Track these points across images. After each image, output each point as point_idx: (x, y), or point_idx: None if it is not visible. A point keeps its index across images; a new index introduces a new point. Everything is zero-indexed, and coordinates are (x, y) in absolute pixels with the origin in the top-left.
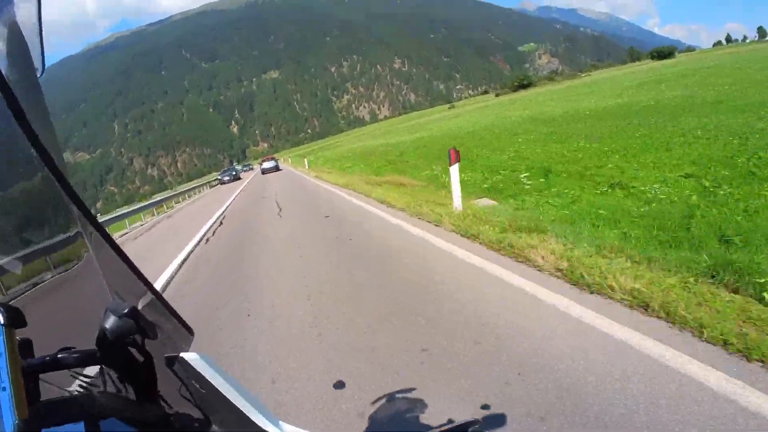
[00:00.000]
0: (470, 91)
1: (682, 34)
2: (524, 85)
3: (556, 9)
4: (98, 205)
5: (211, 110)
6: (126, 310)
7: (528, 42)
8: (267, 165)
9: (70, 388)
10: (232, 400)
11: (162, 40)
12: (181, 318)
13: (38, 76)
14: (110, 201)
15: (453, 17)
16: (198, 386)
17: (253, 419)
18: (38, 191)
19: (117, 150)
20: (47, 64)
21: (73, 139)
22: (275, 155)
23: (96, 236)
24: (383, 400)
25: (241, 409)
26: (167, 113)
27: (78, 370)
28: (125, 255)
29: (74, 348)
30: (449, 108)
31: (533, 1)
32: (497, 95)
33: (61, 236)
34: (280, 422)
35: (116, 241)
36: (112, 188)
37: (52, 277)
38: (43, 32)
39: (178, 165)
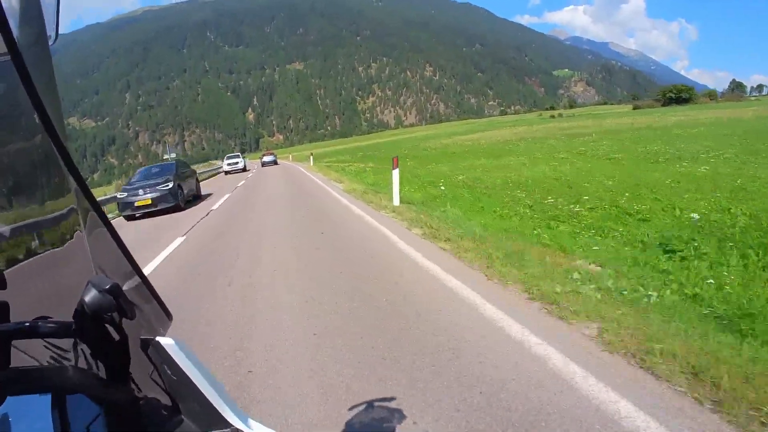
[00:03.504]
0: (502, 109)
1: (709, 80)
2: (681, 99)
3: (586, 40)
4: (95, 176)
5: (228, 94)
6: (108, 286)
7: (561, 68)
8: (267, 159)
9: (42, 359)
10: (202, 391)
11: (189, 19)
12: (162, 301)
13: (50, 43)
14: (108, 173)
15: (488, 34)
16: (170, 372)
17: (222, 413)
18: (36, 160)
19: (124, 122)
20: (73, 28)
21: (83, 105)
22: (272, 151)
23: (84, 207)
24: (362, 407)
25: (210, 400)
26: (182, 91)
27: (51, 341)
28: (115, 231)
29: (51, 318)
30: (552, 117)
31: (565, 30)
32: (636, 108)
33: (56, 212)
34: (249, 419)
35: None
36: (113, 160)
37: (38, 242)
38: (61, 1)
39: (185, 145)
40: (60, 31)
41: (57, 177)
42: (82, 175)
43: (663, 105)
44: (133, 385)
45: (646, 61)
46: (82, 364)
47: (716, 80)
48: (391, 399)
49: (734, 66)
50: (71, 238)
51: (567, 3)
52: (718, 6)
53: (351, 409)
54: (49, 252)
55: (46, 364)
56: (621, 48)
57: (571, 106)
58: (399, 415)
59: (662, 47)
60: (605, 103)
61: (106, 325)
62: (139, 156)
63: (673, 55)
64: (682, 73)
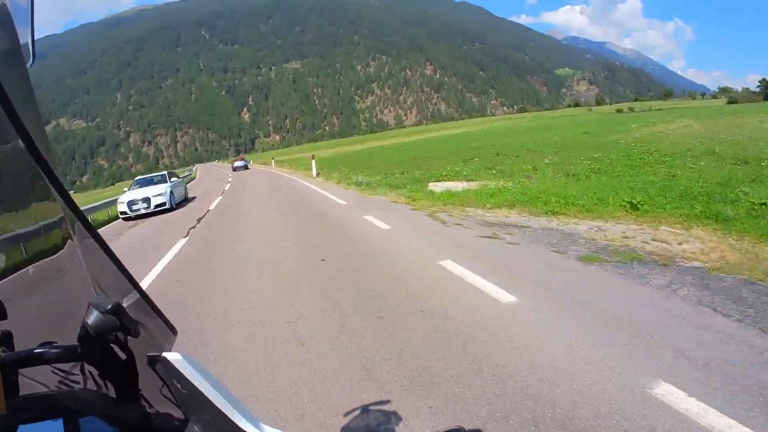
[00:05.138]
0: (505, 108)
1: (705, 80)
2: None
3: (583, 40)
4: (84, 178)
5: (223, 93)
6: (109, 306)
7: (561, 67)
8: (238, 164)
9: (50, 384)
10: (213, 401)
11: (183, 18)
12: (165, 317)
13: (28, 65)
14: (98, 175)
15: (488, 33)
16: (179, 386)
17: (234, 420)
18: (20, 176)
19: (115, 122)
20: (66, 28)
21: (73, 105)
22: (243, 156)
23: (79, 228)
24: (357, 411)
25: (222, 410)
26: (175, 90)
27: (58, 365)
28: (109, 248)
29: (55, 343)
30: (619, 111)
31: (561, 30)
32: (731, 101)
33: (44, 222)
34: (261, 424)
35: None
36: (102, 162)
37: (33, 267)
38: (35, 19)
39: (178, 146)
40: (53, 32)
41: (44, 193)
42: (68, 192)
43: (766, 99)
44: (143, 402)
45: (643, 61)
46: (90, 385)
47: (712, 80)
48: (387, 402)
49: (729, 66)
50: (67, 258)
51: (563, 3)
52: (713, 6)
53: (347, 414)
54: (46, 275)
55: (55, 389)
56: (617, 48)
57: (599, 103)
58: (395, 417)
59: (658, 47)
60: (636, 99)
61: (112, 345)
62: (130, 158)
63: (669, 55)
64: (679, 72)
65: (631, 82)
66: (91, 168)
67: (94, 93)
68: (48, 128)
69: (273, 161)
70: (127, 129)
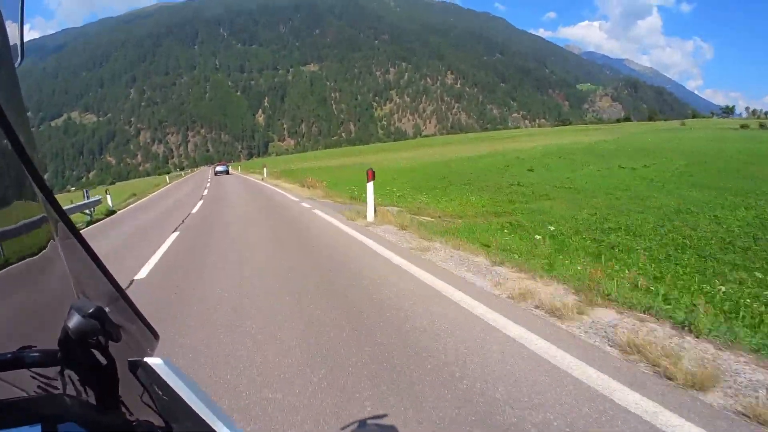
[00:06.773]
0: (526, 121)
1: (722, 100)
2: None
3: (601, 56)
4: (91, 174)
5: (238, 93)
6: (91, 310)
7: (581, 82)
8: (219, 168)
9: (29, 389)
10: (195, 410)
11: (203, 15)
12: (147, 321)
13: (16, 65)
14: (105, 172)
15: (508, 44)
16: (161, 393)
17: (216, 429)
18: (3, 174)
19: (126, 118)
20: (86, 21)
21: (86, 98)
22: (225, 162)
23: (62, 228)
24: (354, 425)
25: (204, 418)
26: (190, 88)
27: (38, 370)
28: (92, 250)
29: (35, 346)
30: (743, 127)
31: (579, 45)
32: None
33: (25, 221)
34: None
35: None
36: (110, 159)
37: (13, 268)
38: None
39: (189, 146)
40: (72, 26)
41: (26, 190)
42: (51, 189)
43: None
44: (124, 409)
45: (661, 80)
46: (70, 391)
47: (729, 101)
48: (384, 416)
49: (748, 88)
50: (48, 259)
51: (582, 18)
52: (734, 25)
53: (343, 429)
54: (26, 277)
55: (34, 394)
56: (635, 65)
57: (651, 118)
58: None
59: (676, 65)
60: (694, 116)
61: (93, 350)
62: (139, 156)
63: (685, 74)
64: (696, 92)
65: (654, 100)
66: (98, 164)
67: (107, 87)
68: (59, 121)
69: (323, 184)
70: (138, 126)
